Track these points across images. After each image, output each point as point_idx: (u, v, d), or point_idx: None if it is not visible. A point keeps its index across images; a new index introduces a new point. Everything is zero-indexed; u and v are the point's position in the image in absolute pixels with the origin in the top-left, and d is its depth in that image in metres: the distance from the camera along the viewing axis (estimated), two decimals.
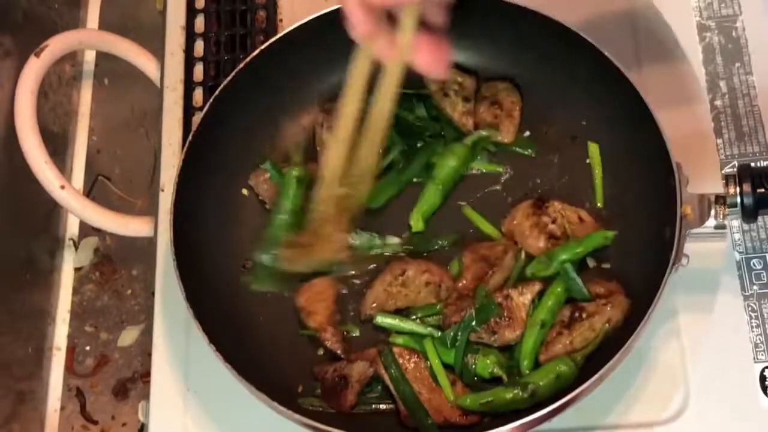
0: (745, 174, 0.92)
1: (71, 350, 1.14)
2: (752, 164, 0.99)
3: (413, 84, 1.01)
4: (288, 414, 0.88)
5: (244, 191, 1.04)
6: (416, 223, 1.00)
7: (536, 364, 0.92)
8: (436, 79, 0.83)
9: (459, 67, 1.06)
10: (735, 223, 1.01)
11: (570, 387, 0.87)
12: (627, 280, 0.94)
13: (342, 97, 0.89)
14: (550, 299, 0.93)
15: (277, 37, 1.04)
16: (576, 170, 1.02)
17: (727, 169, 1.04)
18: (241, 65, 1.03)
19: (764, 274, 0.99)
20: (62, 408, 1.11)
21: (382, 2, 0.79)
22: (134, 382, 1.11)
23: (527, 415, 0.85)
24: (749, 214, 0.92)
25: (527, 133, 1.04)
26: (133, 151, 1.23)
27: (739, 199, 0.91)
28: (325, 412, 0.92)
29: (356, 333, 0.97)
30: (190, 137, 1.01)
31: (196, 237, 1.00)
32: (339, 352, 0.95)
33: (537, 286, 0.93)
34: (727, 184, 0.92)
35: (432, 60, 0.83)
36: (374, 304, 0.97)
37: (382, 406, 0.93)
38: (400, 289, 0.97)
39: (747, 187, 0.91)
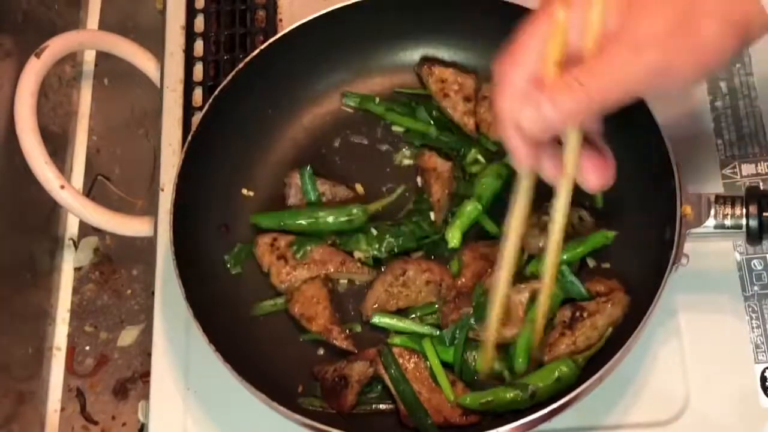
0: (752, 196, 0.92)
1: (71, 350, 1.14)
2: (760, 185, 0.99)
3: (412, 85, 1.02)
4: (288, 414, 0.88)
5: (244, 191, 1.05)
6: (453, 239, 0.98)
7: (537, 365, 0.92)
8: (602, 190, 0.81)
9: (458, 67, 1.06)
10: None
11: (570, 388, 0.87)
12: (627, 279, 0.94)
13: (506, 225, 0.85)
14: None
15: (277, 37, 1.04)
16: None
17: (727, 170, 1.04)
18: (241, 65, 1.03)
19: (765, 274, 0.99)
20: (62, 408, 1.11)
21: (545, 134, 0.75)
22: (134, 382, 1.11)
23: (527, 415, 0.85)
24: (754, 238, 0.91)
25: None
26: (133, 151, 1.23)
27: (744, 222, 0.91)
28: (325, 412, 0.92)
29: (359, 330, 0.97)
30: (190, 137, 1.01)
31: (196, 237, 1.00)
32: (350, 348, 0.95)
33: (535, 285, 0.93)
34: (732, 206, 0.91)
35: (600, 174, 0.79)
36: (375, 305, 0.97)
37: (382, 406, 0.93)
38: (401, 289, 0.97)
39: (753, 210, 0.91)
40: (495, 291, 0.88)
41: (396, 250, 0.99)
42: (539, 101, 0.73)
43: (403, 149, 1.06)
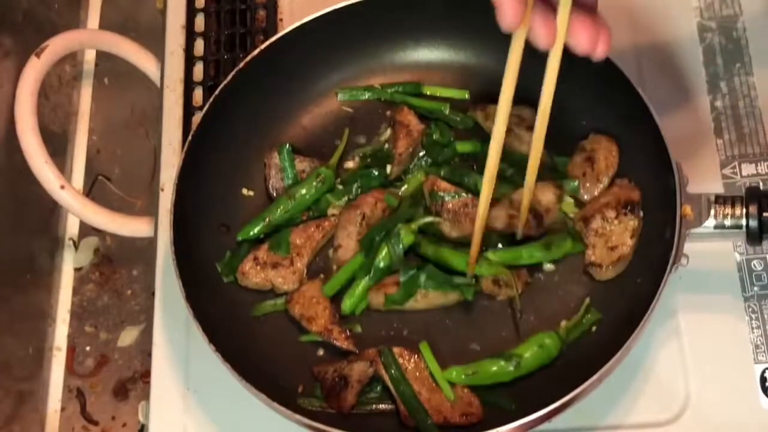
0: (753, 196, 0.92)
1: (71, 350, 1.14)
2: (760, 186, 0.99)
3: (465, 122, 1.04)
4: (288, 414, 0.88)
5: (244, 191, 1.05)
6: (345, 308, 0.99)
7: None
8: (598, 60, 0.78)
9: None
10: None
11: (554, 361, 0.91)
12: (627, 279, 0.95)
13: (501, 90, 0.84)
14: None
15: (277, 36, 1.05)
16: None
17: (727, 170, 1.04)
18: (241, 65, 1.03)
19: (765, 275, 0.99)
20: (62, 409, 1.11)
21: None
22: (134, 382, 1.11)
23: (527, 415, 0.85)
24: (754, 238, 0.91)
25: None
26: (133, 151, 1.23)
27: (744, 222, 0.91)
28: (325, 412, 0.92)
29: (359, 330, 0.97)
30: (190, 137, 1.01)
31: (196, 237, 1.00)
32: (351, 348, 0.95)
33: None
34: (733, 206, 0.92)
35: (592, 38, 0.77)
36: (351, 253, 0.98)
37: (382, 407, 0.93)
38: (366, 229, 0.99)
39: (753, 210, 0.91)
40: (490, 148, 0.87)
41: (361, 191, 1.02)
42: None
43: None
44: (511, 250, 0.96)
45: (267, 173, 1.04)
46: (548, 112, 0.84)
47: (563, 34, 0.77)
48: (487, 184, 0.89)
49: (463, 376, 0.92)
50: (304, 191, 1.01)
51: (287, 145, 1.04)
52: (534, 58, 1.02)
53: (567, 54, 0.99)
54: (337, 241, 0.99)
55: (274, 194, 1.03)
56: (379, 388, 0.94)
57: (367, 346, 0.95)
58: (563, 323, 0.94)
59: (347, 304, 0.97)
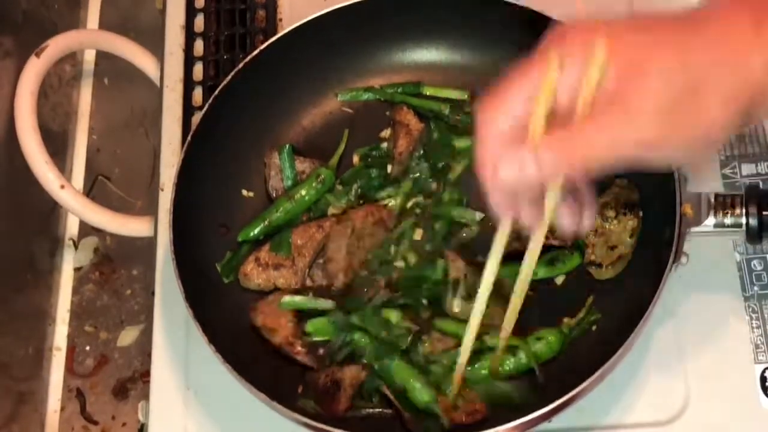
0: (752, 195, 0.92)
1: (71, 350, 1.14)
2: (760, 185, 0.99)
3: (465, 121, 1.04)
4: (288, 414, 0.88)
5: (244, 191, 1.05)
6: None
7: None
8: (582, 236, 0.79)
9: None
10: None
11: (555, 357, 0.91)
12: (626, 279, 0.95)
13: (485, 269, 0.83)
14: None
15: (277, 36, 1.05)
16: None
17: (727, 170, 1.04)
18: (241, 65, 1.03)
19: (765, 274, 0.99)
20: (62, 409, 1.11)
21: (524, 187, 0.72)
22: (134, 382, 1.11)
23: (527, 414, 0.85)
24: (754, 237, 0.91)
25: None
26: (133, 150, 1.23)
27: (744, 221, 0.91)
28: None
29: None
30: (189, 137, 1.01)
31: (196, 237, 1.00)
32: (312, 364, 0.94)
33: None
34: (732, 205, 0.92)
35: (575, 223, 0.78)
36: (342, 274, 0.98)
37: (378, 409, 0.93)
38: (357, 243, 0.98)
39: (753, 209, 0.91)
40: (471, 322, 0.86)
41: (361, 191, 1.02)
42: (522, 154, 0.70)
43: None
44: (513, 266, 0.90)
45: (267, 174, 1.04)
46: (528, 281, 0.83)
47: (549, 217, 0.76)
48: (473, 329, 0.87)
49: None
50: (303, 192, 1.01)
51: (288, 146, 1.04)
52: None
53: None
54: (328, 254, 0.99)
55: (274, 195, 1.03)
56: (375, 400, 0.93)
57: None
58: (566, 320, 0.94)
59: (311, 327, 0.96)
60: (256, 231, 1.01)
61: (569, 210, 0.77)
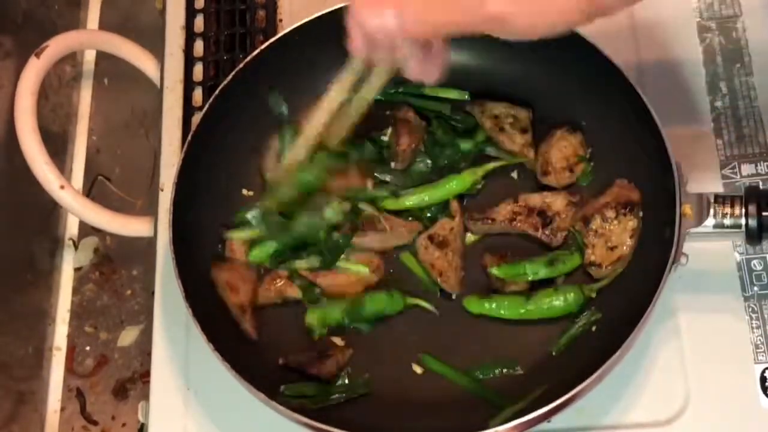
0: (752, 196, 0.92)
1: (71, 350, 1.14)
2: (760, 185, 0.99)
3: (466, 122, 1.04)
4: (288, 413, 0.88)
5: (244, 191, 1.05)
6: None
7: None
8: (428, 84, 0.84)
9: (510, 100, 1.05)
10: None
11: (578, 312, 0.93)
12: (626, 279, 0.95)
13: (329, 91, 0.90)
14: None
15: (277, 37, 1.05)
16: None
17: (727, 170, 1.04)
18: (241, 65, 1.03)
19: (765, 274, 0.99)
20: (62, 408, 1.11)
21: (383, 38, 0.78)
22: (134, 382, 1.11)
23: (526, 414, 0.85)
24: (753, 237, 0.91)
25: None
26: (132, 151, 1.23)
27: (743, 221, 0.91)
28: (325, 410, 0.92)
29: (366, 329, 0.97)
30: (189, 137, 1.01)
31: (196, 237, 1.00)
32: (252, 335, 0.96)
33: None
34: (732, 205, 0.92)
35: (423, 70, 0.82)
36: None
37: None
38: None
39: (752, 209, 0.91)
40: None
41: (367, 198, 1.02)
42: (389, 9, 0.76)
43: None
44: (514, 266, 0.96)
45: (262, 159, 1.04)
46: (364, 108, 0.91)
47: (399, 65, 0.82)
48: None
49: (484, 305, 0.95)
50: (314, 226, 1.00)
51: (290, 127, 1.03)
52: (535, 63, 1.03)
53: (568, 53, 1.00)
54: None
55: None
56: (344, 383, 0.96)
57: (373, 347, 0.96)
58: (587, 286, 0.95)
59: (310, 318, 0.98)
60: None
61: (419, 59, 0.81)
